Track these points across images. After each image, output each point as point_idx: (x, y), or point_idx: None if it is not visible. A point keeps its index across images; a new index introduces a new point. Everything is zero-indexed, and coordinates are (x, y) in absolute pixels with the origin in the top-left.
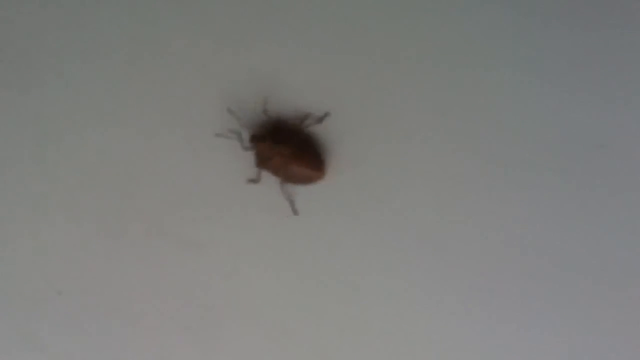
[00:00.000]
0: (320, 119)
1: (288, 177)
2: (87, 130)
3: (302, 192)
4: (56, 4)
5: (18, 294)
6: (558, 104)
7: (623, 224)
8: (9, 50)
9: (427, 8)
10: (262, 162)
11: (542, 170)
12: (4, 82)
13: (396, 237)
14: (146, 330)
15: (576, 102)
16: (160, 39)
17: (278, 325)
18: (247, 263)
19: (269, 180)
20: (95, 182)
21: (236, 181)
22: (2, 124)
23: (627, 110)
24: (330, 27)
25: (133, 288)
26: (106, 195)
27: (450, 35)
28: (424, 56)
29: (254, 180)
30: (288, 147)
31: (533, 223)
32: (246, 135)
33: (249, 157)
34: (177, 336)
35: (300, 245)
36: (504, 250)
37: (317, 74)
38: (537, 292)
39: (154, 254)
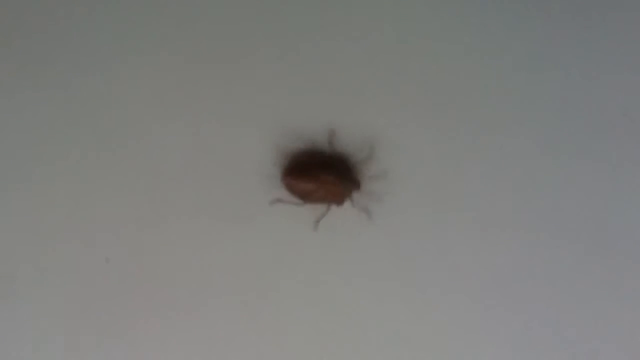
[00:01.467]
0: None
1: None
2: (128, 117)
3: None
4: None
5: (66, 262)
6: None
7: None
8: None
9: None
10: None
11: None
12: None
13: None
14: (193, 301)
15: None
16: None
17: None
18: (293, 237)
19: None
20: (143, 164)
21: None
22: (45, 119)
23: None
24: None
25: (179, 260)
26: (152, 175)
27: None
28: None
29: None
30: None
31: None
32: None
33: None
34: (222, 306)
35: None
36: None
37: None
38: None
39: (198, 227)
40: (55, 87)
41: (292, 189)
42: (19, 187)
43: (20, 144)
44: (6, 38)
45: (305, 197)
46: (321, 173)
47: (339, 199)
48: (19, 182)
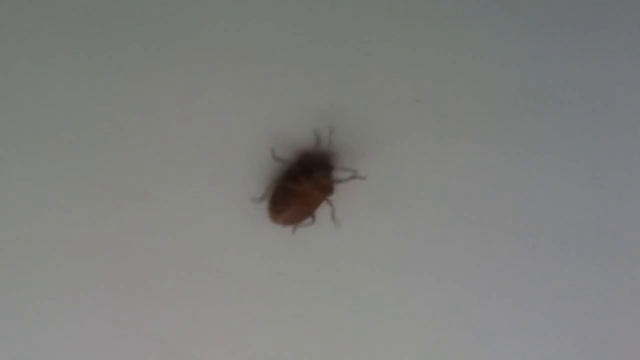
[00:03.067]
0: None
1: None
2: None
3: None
4: None
5: None
6: (487, 50)
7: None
8: None
9: None
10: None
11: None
12: None
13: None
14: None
15: (502, 47)
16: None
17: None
18: (196, 212)
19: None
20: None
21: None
22: None
23: (555, 56)
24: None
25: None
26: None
27: None
28: None
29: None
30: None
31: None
32: None
33: None
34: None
35: None
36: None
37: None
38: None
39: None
40: None
41: (287, 221)
42: None
43: None
44: None
45: (304, 214)
46: (295, 188)
47: (328, 192)
48: None
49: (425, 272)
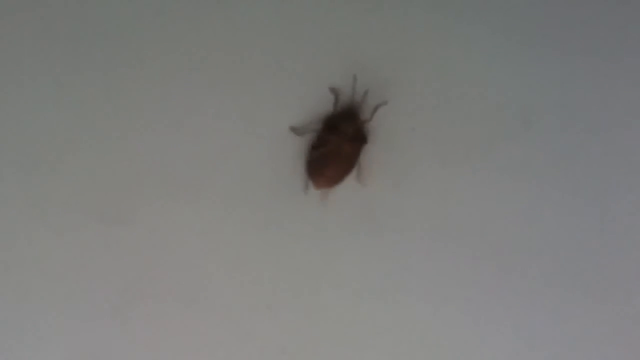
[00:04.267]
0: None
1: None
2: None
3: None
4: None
5: None
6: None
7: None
8: None
9: None
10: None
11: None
12: None
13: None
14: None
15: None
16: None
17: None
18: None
19: None
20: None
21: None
22: None
23: (555, 84)
24: None
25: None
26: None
27: None
28: None
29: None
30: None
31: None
32: None
33: None
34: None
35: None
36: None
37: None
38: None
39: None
40: None
41: (330, 182)
42: None
43: None
44: None
45: (345, 171)
46: (328, 148)
47: (361, 140)
48: None
49: (418, 299)
